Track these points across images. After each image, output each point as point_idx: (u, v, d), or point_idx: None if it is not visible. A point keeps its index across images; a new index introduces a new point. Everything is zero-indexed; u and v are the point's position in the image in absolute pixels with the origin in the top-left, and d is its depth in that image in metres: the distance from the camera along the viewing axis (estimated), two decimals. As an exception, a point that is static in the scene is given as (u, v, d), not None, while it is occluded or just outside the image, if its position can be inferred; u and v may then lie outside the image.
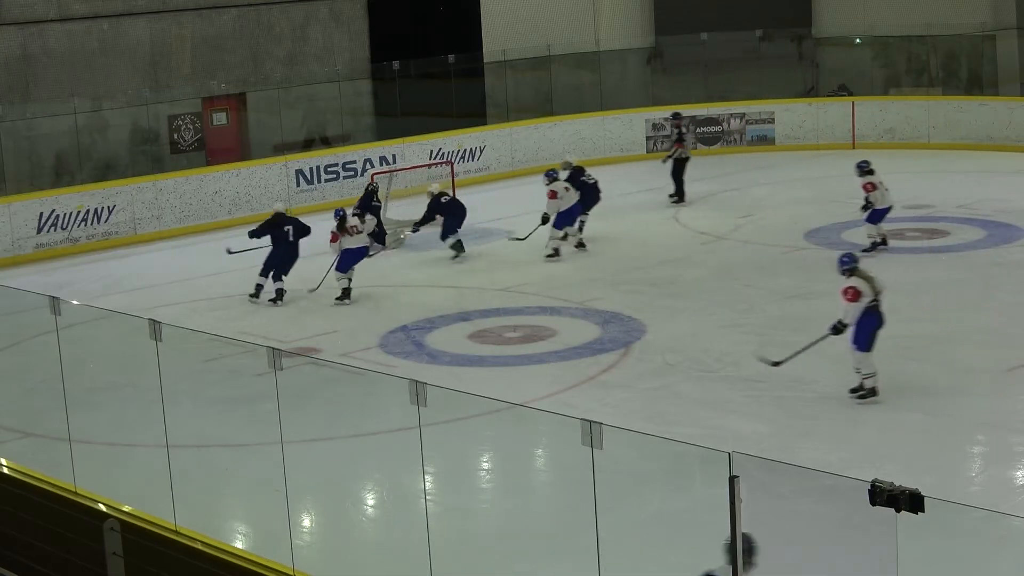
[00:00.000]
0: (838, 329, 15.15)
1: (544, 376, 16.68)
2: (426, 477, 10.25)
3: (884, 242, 22.03)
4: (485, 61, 34.57)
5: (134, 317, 12.46)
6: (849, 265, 15.22)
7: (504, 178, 31.16)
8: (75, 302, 17.72)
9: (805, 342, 15.56)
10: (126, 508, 10.46)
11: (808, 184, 27.48)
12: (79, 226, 26.43)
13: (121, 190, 27.18)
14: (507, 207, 24.73)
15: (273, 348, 10.11)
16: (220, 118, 31.03)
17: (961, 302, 19.22)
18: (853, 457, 13.13)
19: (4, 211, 25.58)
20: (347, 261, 21.03)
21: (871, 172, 21.95)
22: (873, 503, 6.56)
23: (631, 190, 29.17)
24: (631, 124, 33.43)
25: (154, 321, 10.73)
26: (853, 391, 15.09)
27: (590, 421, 7.89)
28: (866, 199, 21.93)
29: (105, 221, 26.82)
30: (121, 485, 12.06)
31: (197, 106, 30.62)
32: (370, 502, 13.41)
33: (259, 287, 21.24)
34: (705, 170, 29.74)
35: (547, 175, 23.94)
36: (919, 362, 16.49)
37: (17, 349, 17.68)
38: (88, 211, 26.56)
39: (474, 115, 33.39)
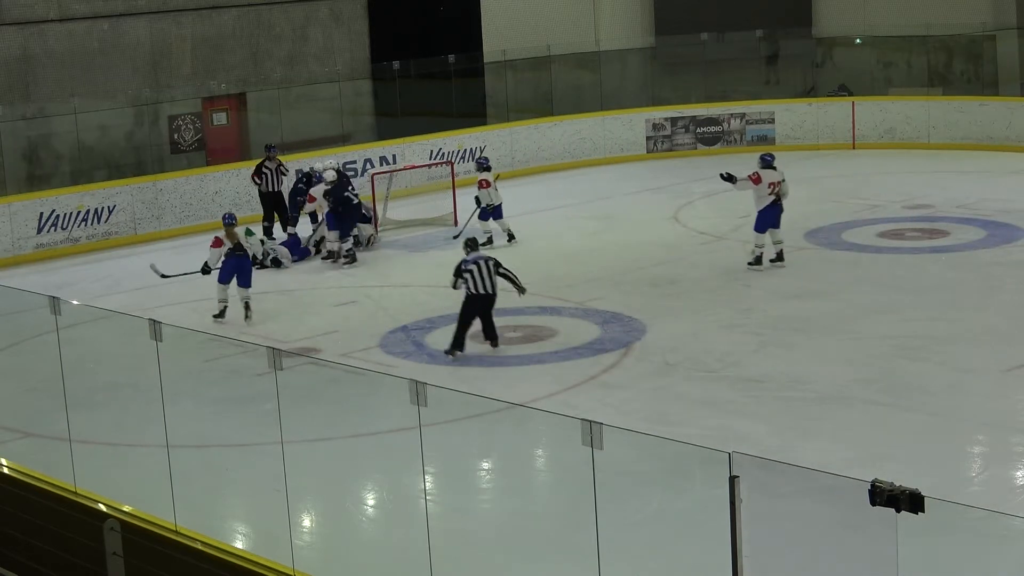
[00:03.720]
0: (729, 179, 21.31)
1: (544, 376, 16.66)
2: (426, 477, 10.24)
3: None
4: (485, 61, 34.57)
5: (134, 317, 12.44)
6: (768, 162, 21.12)
7: (504, 178, 30.50)
8: (75, 302, 17.72)
9: (806, 343, 15.46)
10: (126, 508, 10.45)
11: (808, 184, 27.38)
12: (79, 226, 26.45)
13: (121, 190, 27.20)
14: (507, 207, 24.57)
15: (273, 348, 10.09)
16: (220, 118, 31.03)
17: (961, 302, 19.17)
18: (853, 457, 13.10)
19: (4, 211, 25.60)
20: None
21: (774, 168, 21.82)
22: (873, 503, 6.57)
23: (631, 190, 29.20)
24: (631, 124, 33.44)
25: (154, 321, 10.70)
26: (750, 264, 20.60)
27: (590, 421, 7.88)
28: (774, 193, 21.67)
29: (105, 221, 26.83)
30: (121, 485, 12.01)
31: (197, 106, 30.63)
32: (370, 502, 13.37)
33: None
34: (705, 170, 29.66)
35: (479, 163, 24.59)
36: (919, 362, 16.46)
37: (17, 349, 17.60)
38: (88, 211, 26.58)
39: (474, 115, 33.40)
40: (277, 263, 23.70)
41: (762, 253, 21.45)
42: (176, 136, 30.19)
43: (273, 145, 26.80)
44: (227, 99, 31.13)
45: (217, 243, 20.44)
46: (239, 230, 20.60)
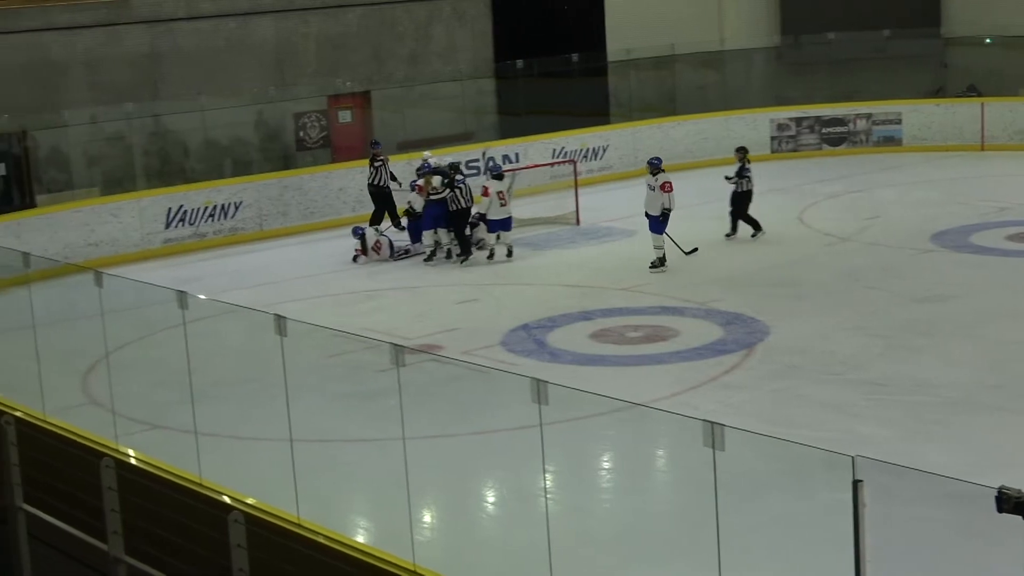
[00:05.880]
0: (665, 215, 21.78)
1: (665, 376, 16.63)
2: (547, 476, 10.21)
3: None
4: (609, 60, 34.49)
5: (259, 312, 12.23)
6: (658, 165, 22.05)
7: (627, 177, 30.89)
8: (202, 297, 17.65)
9: (932, 346, 15.18)
10: (250, 500, 10.46)
11: (935, 186, 27.11)
12: (206, 222, 26.75)
13: (248, 187, 27.48)
14: (629, 206, 24.76)
15: (395, 345, 10.11)
16: (345, 116, 31.28)
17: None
18: (980, 463, 12.86)
19: (134, 206, 25.98)
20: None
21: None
22: (1000, 510, 6.45)
23: (756, 191, 28.75)
24: (755, 124, 33.21)
25: (279, 316, 10.73)
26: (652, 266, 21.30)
27: (712, 422, 7.83)
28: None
29: (232, 217, 27.13)
30: (245, 478, 12.07)
31: (322, 104, 30.91)
32: (491, 500, 13.44)
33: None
34: (830, 171, 29.59)
35: (490, 170, 25.25)
36: (1048, 367, 16.16)
37: (146, 343, 17.77)
38: (215, 207, 26.88)
39: (597, 114, 33.31)
40: (404, 251, 24.28)
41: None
42: (302, 134, 30.51)
43: (378, 141, 27.00)
44: (352, 97, 31.38)
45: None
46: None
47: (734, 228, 24.14)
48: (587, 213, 25.70)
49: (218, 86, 29.54)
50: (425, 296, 21.76)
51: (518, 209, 25.97)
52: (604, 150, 31.51)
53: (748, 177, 24.26)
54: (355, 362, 16.82)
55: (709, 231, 24.61)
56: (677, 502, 12.63)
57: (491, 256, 23.74)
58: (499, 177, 24.26)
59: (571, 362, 17.49)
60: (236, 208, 27.19)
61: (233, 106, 29.76)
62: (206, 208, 26.76)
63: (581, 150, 31.30)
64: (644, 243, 23.58)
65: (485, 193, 23.94)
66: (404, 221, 25.24)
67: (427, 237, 24.04)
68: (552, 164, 30.01)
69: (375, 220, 25.89)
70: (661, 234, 22.02)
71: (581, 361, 17.48)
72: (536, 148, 30.84)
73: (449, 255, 23.87)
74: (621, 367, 17.25)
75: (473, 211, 24.28)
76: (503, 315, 20.14)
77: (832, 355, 17.05)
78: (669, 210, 22.20)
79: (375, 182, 26.39)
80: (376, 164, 26.30)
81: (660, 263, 21.90)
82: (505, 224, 23.91)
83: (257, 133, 30.42)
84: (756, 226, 24.11)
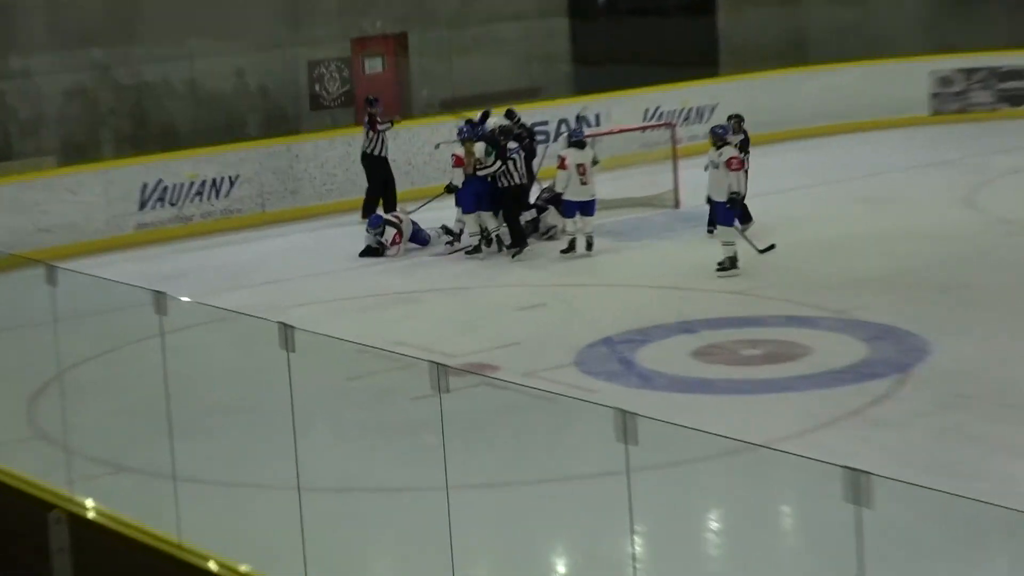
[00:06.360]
0: (734, 202, 22.00)
1: (792, 408, 16.47)
2: (635, 538, 10.05)
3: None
4: (719, -9, 34.48)
5: (260, 320, 12.54)
6: (723, 135, 22.42)
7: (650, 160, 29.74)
8: (185, 299, 17.87)
9: None
10: (243, 569, 10.60)
11: None
12: (192, 201, 26.64)
13: (246, 156, 27.36)
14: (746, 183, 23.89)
15: (437, 364, 10.14)
16: (374, 65, 31.40)
17: None
18: None
19: (98, 180, 26.10)
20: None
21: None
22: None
23: (909, 163, 29.10)
24: (910, 77, 33.11)
25: (285, 325, 10.83)
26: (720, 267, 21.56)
27: (854, 469, 7.82)
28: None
29: (225, 195, 27.03)
30: (238, 538, 12.17)
31: (345, 50, 31.02)
32: (561, 569, 13.35)
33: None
34: (1010, 138, 29.53)
35: (573, 130, 25.48)
36: None
37: (112, 358, 17.88)
38: (204, 182, 26.74)
39: (703, 63, 33.35)
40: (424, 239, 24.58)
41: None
42: (318, 87, 30.59)
43: (375, 98, 26.99)
44: (383, 40, 31.47)
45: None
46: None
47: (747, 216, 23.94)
48: (690, 193, 25.38)
49: (211, 27, 29.45)
50: (475, 300, 21.83)
51: (601, 187, 25.48)
52: (712, 110, 31.02)
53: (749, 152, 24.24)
54: (383, 386, 16.65)
55: (851, 218, 24.47)
56: (809, 574, 12.49)
57: (569, 249, 23.60)
58: (580, 145, 24.00)
59: (668, 388, 17.38)
60: (231, 184, 27.05)
61: (230, 53, 29.76)
62: (191, 184, 26.64)
63: (682, 110, 31.16)
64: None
65: (562, 165, 23.73)
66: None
67: (470, 222, 24.04)
68: (644, 128, 29.53)
69: (387, 204, 26.09)
70: (731, 226, 22.09)
71: (681, 387, 17.36)
72: (623, 107, 30.58)
73: (500, 246, 23.88)
74: (734, 395, 17.13)
75: (539, 189, 24.19)
76: (578, 326, 20.00)
77: (1014, 383, 16.79)
78: (738, 194, 22.24)
79: (373, 151, 26.48)
80: (381, 128, 26.40)
81: (731, 264, 21.89)
82: (586, 207, 23.69)
83: (261, 87, 30.41)
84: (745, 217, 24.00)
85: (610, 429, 8.80)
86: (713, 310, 20.46)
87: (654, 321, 19.89)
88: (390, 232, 24.23)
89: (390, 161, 26.64)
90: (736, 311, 20.27)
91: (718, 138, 22.51)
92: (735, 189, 22.08)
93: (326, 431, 15.13)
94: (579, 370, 18.14)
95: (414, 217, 24.88)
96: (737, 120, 24.31)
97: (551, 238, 24.32)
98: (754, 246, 22.24)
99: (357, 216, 26.24)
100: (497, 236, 23.96)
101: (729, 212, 22.20)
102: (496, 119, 25.17)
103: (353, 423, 16.21)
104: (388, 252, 24.12)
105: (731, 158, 22.14)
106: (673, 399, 16.86)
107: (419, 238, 24.61)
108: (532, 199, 24.61)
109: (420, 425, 11.58)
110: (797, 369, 17.79)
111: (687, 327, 19.75)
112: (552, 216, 24.47)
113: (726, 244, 22.05)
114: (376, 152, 26.56)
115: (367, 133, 26.54)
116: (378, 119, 26.47)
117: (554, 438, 14.87)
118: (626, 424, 8.79)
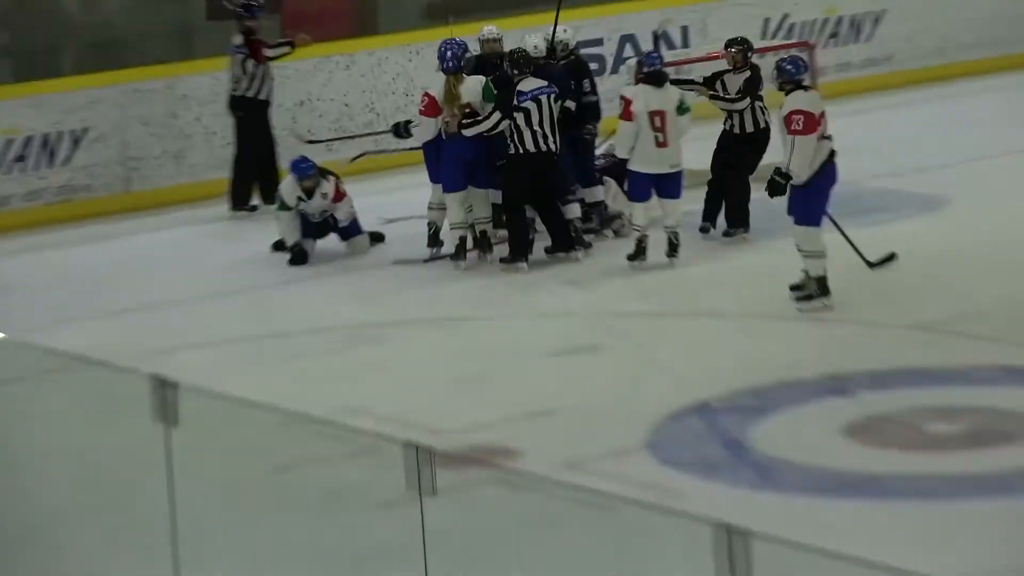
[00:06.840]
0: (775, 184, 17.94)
1: (1008, 525, 13.76)
2: None
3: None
4: None
5: (122, 371, 12.33)
6: (795, 73, 18.22)
7: (924, 81, 27.07)
8: (0, 335, 16.74)
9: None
10: None
11: None
12: (13, 173, 22.40)
13: (99, 95, 22.80)
14: (929, 143, 22.43)
15: (418, 446, 9.48)
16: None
17: None
18: None
19: None
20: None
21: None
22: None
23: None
24: None
25: (163, 380, 10.16)
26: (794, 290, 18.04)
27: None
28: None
29: (65, 164, 22.60)
30: None
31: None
32: None
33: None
34: None
35: (648, 54, 20.99)
36: None
37: None
38: (31, 140, 22.27)
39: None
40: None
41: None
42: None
43: (256, 3, 22.95)
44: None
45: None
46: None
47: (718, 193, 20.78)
48: (839, 157, 21.26)
49: None
50: (480, 340, 18.32)
51: (690, 151, 21.40)
52: (876, 21, 27.32)
53: (753, 103, 20.58)
54: (329, 484, 13.36)
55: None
56: None
57: (638, 254, 19.09)
58: (656, 79, 19.28)
59: (803, 490, 14.67)
60: (75, 143, 22.52)
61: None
62: (10, 143, 22.13)
63: (825, 21, 27.37)
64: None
65: (626, 114, 19.09)
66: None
67: (452, 206, 19.80)
68: (766, 51, 24.69)
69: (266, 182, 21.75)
70: (816, 226, 18.27)
71: (825, 487, 14.51)
72: (725, 16, 26.50)
73: (485, 247, 19.95)
74: (911, 501, 14.21)
75: (599, 152, 20.17)
76: (654, 382, 16.76)
77: None
78: (786, 174, 18.35)
79: (248, 93, 22.01)
80: (271, 54, 22.18)
81: (819, 289, 18.30)
82: (667, 184, 19.19)
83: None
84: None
85: (708, 557, 7.80)
86: (878, 357, 16.87)
87: (780, 375, 16.46)
88: (327, 186, 19.53)
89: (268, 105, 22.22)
90: (916, 358, 16.91)
91: (787, 77, 18.49)
92: (789, 168, 18.23)
93: (231, 562, 12.45)
94: (655, 457, 15.27)
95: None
96: (741, 49, 20.40)
97: (618, 234, 19.98)
98: (862, 257, 18.70)
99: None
100: (483, 233, 19.87)
101: (809, 203, 18.30)
102: (537, 37, 20.56)
103: (279, 548, 12.81)
104: (340, 223, 19.55)
105: (791, 112, 18.06)
106: (813, 508, 14.00)
107: (343, 228, 20.27)
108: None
109: (389, 552, 10.67)
110: (1017, 458, 14.84)
111: (837, 386, 16.38)
112: (614, 197, 20.27)
113: (809, 255, 18.46)
114: (252, 94, 22.22)
115: (241, 63, 22.06)
116: (263, 39, 22.38)
117: (618, 569, 11.39)
118: (731, 550, 7.70)
